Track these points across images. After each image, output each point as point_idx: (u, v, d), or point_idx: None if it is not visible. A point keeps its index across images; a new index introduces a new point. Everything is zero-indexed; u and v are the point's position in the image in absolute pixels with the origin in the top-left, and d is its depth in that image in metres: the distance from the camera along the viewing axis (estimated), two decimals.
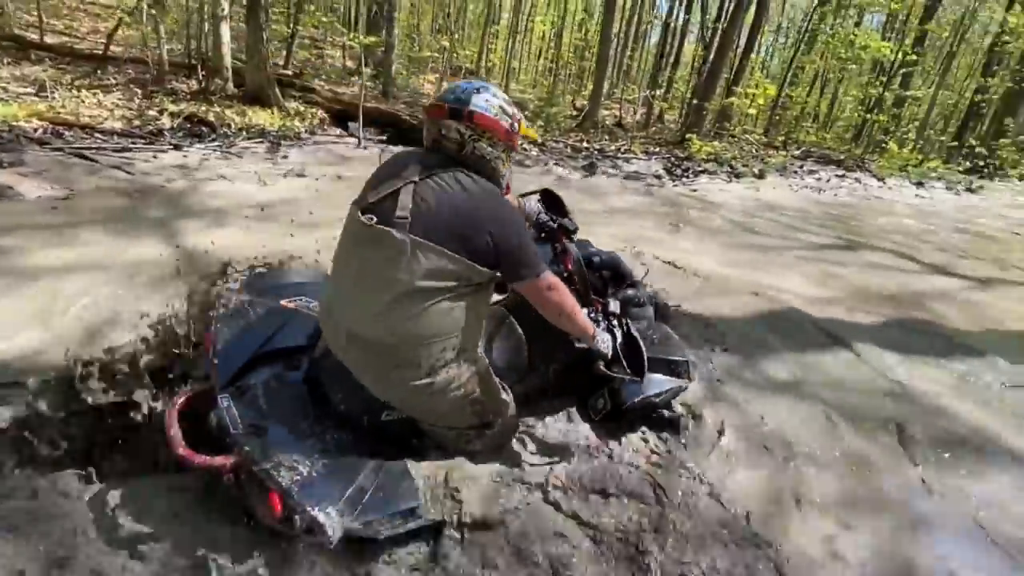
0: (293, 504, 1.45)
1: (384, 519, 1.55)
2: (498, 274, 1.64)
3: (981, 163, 14.96)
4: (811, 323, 3.99)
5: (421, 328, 1.58)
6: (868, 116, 16.89)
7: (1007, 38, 15.81)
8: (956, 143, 16.78)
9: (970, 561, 2.04)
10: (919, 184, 11.87)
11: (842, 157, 13.27)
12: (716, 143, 11.66)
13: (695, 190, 8.27)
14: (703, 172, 9.44)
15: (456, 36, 13.81)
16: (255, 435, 1.58)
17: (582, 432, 2.17)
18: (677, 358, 2.25)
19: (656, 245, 5.25)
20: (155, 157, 5.80)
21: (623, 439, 2.17)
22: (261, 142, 6.82)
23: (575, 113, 12.86)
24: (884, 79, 16.71)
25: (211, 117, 7.09)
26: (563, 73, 20.40)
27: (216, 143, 6.51)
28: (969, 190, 12.21)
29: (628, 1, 20.15)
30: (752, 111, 12.30)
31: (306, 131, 7.68)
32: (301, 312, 2.01)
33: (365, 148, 7.49)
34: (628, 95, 16.29)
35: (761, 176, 9.86)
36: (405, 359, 1.61)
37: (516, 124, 1.73)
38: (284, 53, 11.58)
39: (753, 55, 19.21)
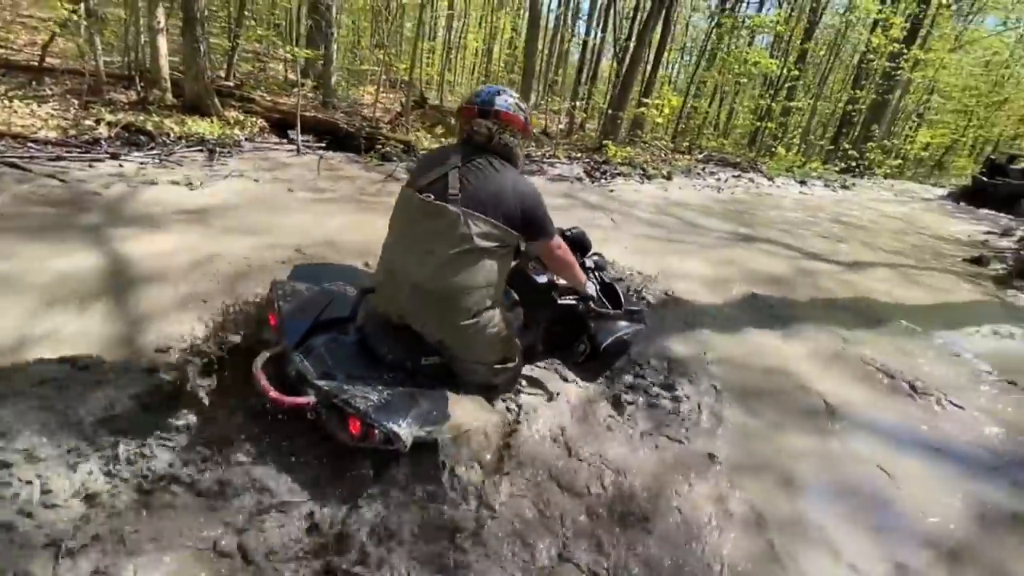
0: (371, 423, 1.76)
1: (436, 429, 1.88)
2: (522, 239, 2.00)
3: (853, 164, 15.90)
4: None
5: (469, 280, 1.91)
6: (760, 124, 17.64)
7: (871, 56, 16.83)
8: (833, 147, 17.76)
9: None
10: (802, 183, 12.48)
11: (738, 160, 13.79)
12: (630, 148, 11.88)
13: (612, 190, 8.38)
14: (619, 175, 9.59)
15: (392, 51, 13.50)
16: (329, 379, 1.92)
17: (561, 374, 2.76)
18: (635, 308, 2.61)
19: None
20: (91, 166, 5.37)
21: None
22: (200, 150, 6.44)
23: None
24: (772, 92, 17.46)
25: (149, 127, 6.64)
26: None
27: (155, 151, 6.09)
28: (844, 187, 12.95)
29: (551, 22, 20.30)
30: (660, 120, 12.58)
31: (246, 139, 7.31)
32: (340, 293, 2.35)
33: (303, 155, 7.21)
34: (553, 106, 16.38)
35: (669, 178, 10.11)
36: (457, 304, 1.93)
37: (528, 117, 2.08)
38: (226, 65, 11.00)
39: (662, 71, 19.73)
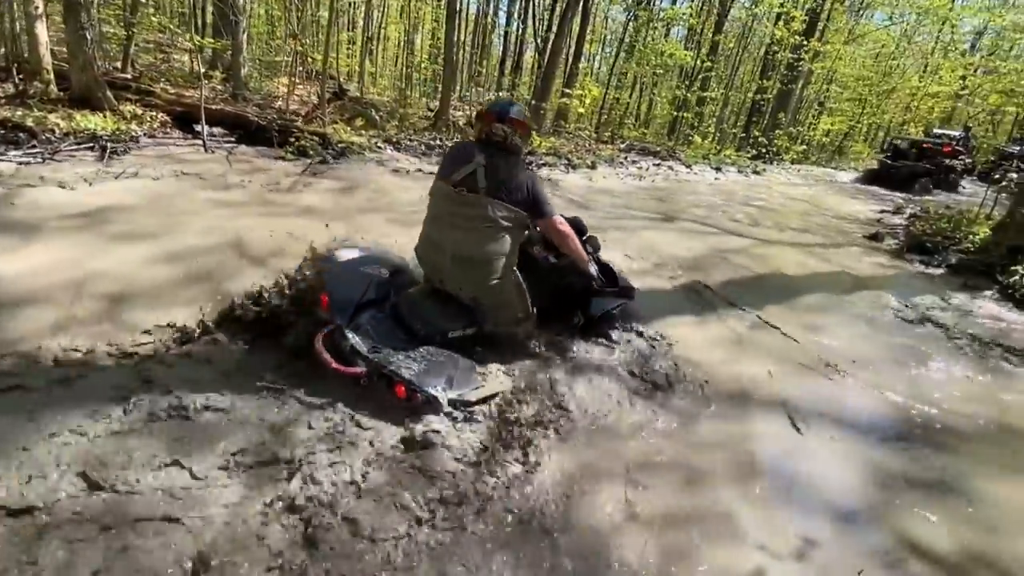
0: (415, 388, 2.24)
1: (467, 392, 2.37)
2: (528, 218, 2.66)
3: (763, 150, 16.74)
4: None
5: (496, 249, 2.60)
6: (677, 114, 18.25)
7: (775, 48, 17.74)
8: (744, 135, 18.63)
9: None
10: (717, 169, 13.00)
11: (659, 149, 14.18)
12: (555, 139, 11.96)
13: None
14: (544, 165, 9.61)
15: (307, 41, 12.90)
16: (377, 352, 2.34)
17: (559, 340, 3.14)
18: (627, 285, 3.20)
19: None
20: None
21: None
22: (91, 147, 5.88)
23: (430, 114, 12.56)
24: (688, 83, 18.09)
25: (29, 122, 5.99)
26: (417, 78, 19.94)
27: (36, 150, 5.51)
28: (755, 172, 13.59)
29: (472, 12, 20.10)
30: (582, 111, 12.73)
31: (145, 134, 6.75)
32: (376, 275, 2.72)
33: (212, 151, 6.75)
34: (478, 98, 16.25)
35: (594, 167, 10.25)
36: (487, 267, 2.60)
37: (528, 120, 2.73)
38: (122, 55, 10.13)
39: (584, 63, 20.01)
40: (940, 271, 6.24)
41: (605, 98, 16.96)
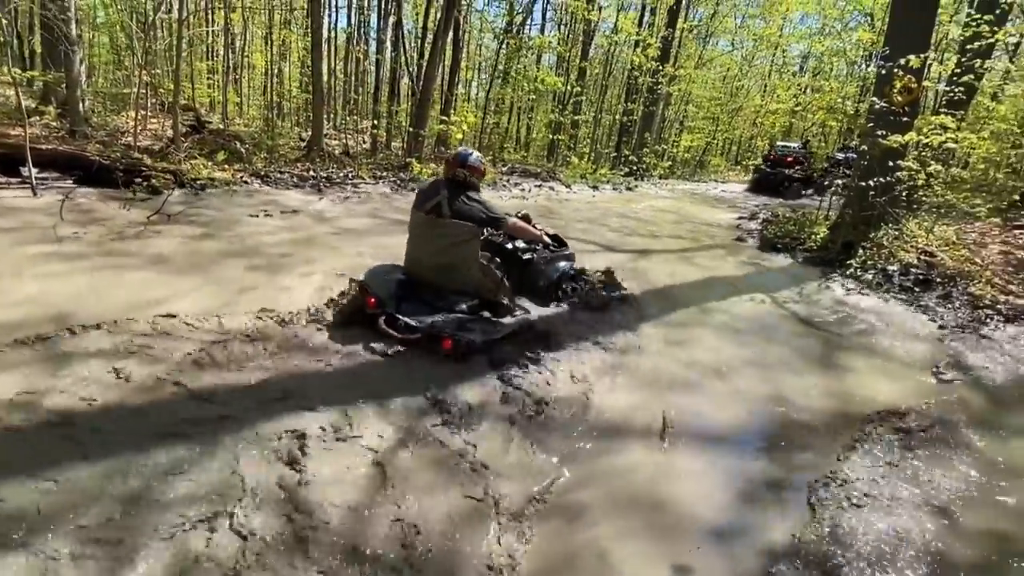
0: (459, 338, 3.27)
1: (493, 333, 3.43)
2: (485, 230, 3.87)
3: (634, 167, 17.85)
4: None
5: (463, 253, 3.60)
6: (554, 137, 19.01)
7: (636, 73, 19.09)
8: (616, 154, 19.79)
9: None
10: (595, 187, 13.67)
11: (539, 171, 14.64)
12: (434, 165, 11.93)
13: None
14: None
15: (157, 72, 11.95)
16: (422, 323, 3.36)
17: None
18: (568, 250, 4.63)
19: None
20: None
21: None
22: None
23: (302, 144, 12.04)
24: (562, 107, 18.93)
25: None
26: (288, 107, 19.13)
27: None
28: (628, 188, 14.45)
29: (341, 40, 19.70)
30: (460, 136, 12.86)
31: None
32: (399, 277, 3.71)
33: (40, 195, 5.95)
34: (353, 126, 15.88)
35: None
36: (461, 267, 3.63)
37: (484, 166, 3.81)
38: None
39: (461, 89, 20.30)
40: (788, 263, 6.95)
41: (484, 123, 17.28)
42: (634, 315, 4.51)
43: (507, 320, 3.66)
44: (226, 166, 8.42)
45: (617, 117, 22.00)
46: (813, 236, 7.61)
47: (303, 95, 17.40)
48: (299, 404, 2.66)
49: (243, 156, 9.39)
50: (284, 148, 11.58)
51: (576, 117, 19.39)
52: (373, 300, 3.46)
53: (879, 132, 6.73)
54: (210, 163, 8.17)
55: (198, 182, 7.10)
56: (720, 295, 5.44)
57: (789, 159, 16.09)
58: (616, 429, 2.89)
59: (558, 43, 20.25)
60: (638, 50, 18.90)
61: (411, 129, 12.77)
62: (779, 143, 18.79)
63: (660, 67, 18.71)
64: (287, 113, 19.17)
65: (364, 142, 14.65)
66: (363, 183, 9.64)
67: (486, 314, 3.64)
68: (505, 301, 3.81)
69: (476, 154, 3.67)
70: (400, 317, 3.36)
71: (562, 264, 4.40)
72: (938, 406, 3.45)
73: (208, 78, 18.12)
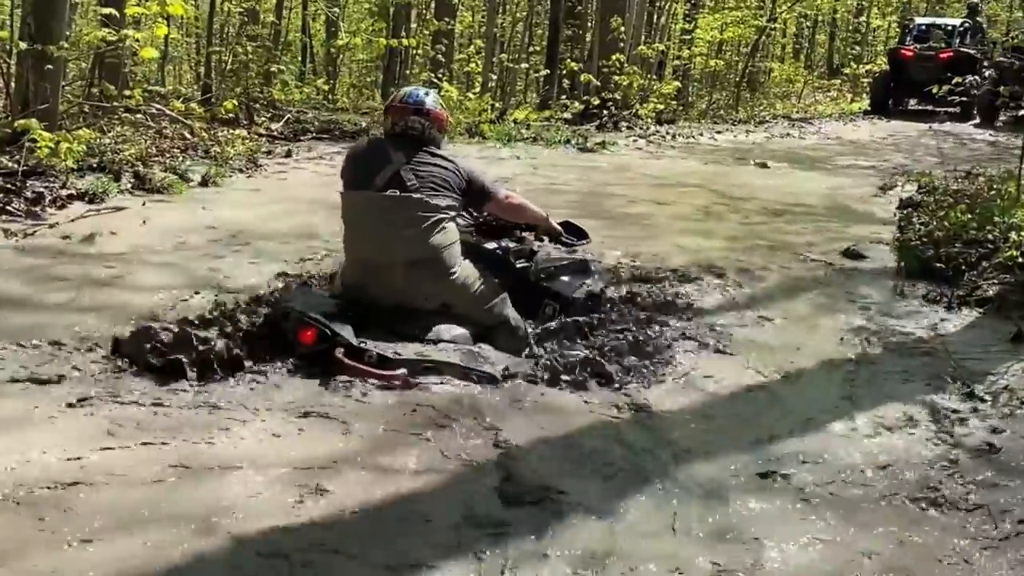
0: (469, 370, 2.26)
1: (480, 365, 2.32)
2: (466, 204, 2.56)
3: (592, 107, 12.49)
4: None
5: (443, 239, 2.35)
6: (390, 45, 12.72)
7: None
8: (548, 75, 13.91)
9: None
10: (515, 151, 8.54)
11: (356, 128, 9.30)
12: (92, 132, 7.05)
13: None
14: None
15: None
16: (398, 354, 2.25)
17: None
18: (587, 241, 2.99)
19: None
20: None
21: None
22: None
23: None
24: None
25: None
26: None
27: None
28: (585, 149, 9.32)
29: None
30: (153, 54, 6.91)
31: None
32: (335, 300, 2.58)
33: None
34: None
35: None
36: (443, 263, 2.36)
37: (447, 113, 2.78)
38: None
39: None
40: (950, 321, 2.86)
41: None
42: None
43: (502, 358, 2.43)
44: None
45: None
46: (1009, 250, 3.37)
47: None
48: None
49: None
50: None
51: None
52: (311, 333, 2.30)
53: None
54: None
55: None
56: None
57: (943, 55, 9.38)
58: None
59: None
60: None
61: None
62: (918, 20, 11.12)
63: None
64: None
65: None
66: None
67: (482, 347, 2.39)
68: (519, 330, 2.60)
69: (432, 94, 2.56)
70: (370, 347, 2.21)
71: (579, 277, 2.79)
72: None
73: None
